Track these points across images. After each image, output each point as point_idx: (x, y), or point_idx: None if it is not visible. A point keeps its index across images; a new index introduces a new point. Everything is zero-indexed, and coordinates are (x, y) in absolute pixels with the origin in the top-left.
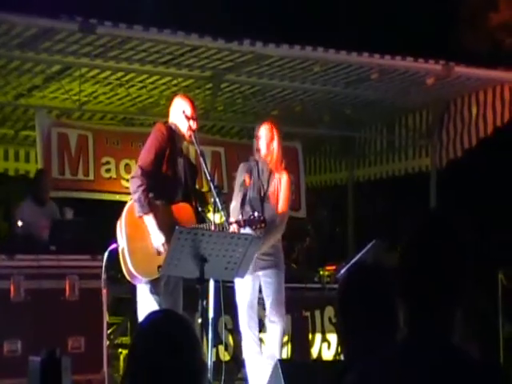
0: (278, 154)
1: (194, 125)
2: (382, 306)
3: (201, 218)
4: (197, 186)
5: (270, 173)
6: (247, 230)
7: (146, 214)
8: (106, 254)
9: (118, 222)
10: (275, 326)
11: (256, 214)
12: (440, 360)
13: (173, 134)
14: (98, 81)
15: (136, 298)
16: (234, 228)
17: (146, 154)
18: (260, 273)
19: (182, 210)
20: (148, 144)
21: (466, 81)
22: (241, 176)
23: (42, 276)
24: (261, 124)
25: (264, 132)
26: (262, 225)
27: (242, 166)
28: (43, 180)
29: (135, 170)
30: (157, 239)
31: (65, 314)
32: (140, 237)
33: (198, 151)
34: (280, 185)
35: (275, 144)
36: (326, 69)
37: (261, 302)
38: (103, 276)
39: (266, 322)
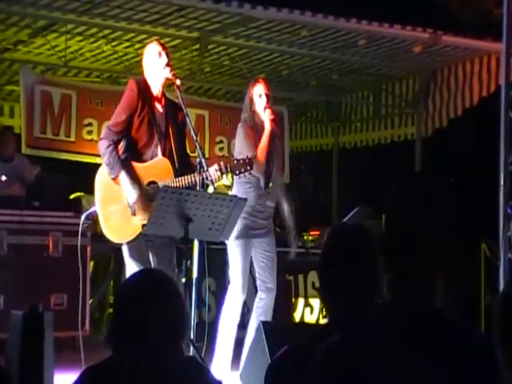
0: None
1: (168, 72)
2: (364, 267)
3: (186, 166)
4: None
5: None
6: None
7: (118, 173)
8: (83, 218)
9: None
10: (272, 293)
11: (241, 156)
12: (421, 322)
13: (145, 87)
14: (84, 37)
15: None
16: (216, 174)
17: (116, 115)
18: (256, 240)
19: (159, 166)
20: (119, 105)
21: (453, 50)
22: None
23: (25, 232)
24: (257, 81)
25: (265, 89)
26: (248, 168)
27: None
28: (4, 137)
29: (104, 131)
30: (131, 196)
31: (48, 270)
32: (112, 201)
33: (185, 111)
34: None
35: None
36: (314, 33)
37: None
38: (80, 235)
39: (262, 288)
